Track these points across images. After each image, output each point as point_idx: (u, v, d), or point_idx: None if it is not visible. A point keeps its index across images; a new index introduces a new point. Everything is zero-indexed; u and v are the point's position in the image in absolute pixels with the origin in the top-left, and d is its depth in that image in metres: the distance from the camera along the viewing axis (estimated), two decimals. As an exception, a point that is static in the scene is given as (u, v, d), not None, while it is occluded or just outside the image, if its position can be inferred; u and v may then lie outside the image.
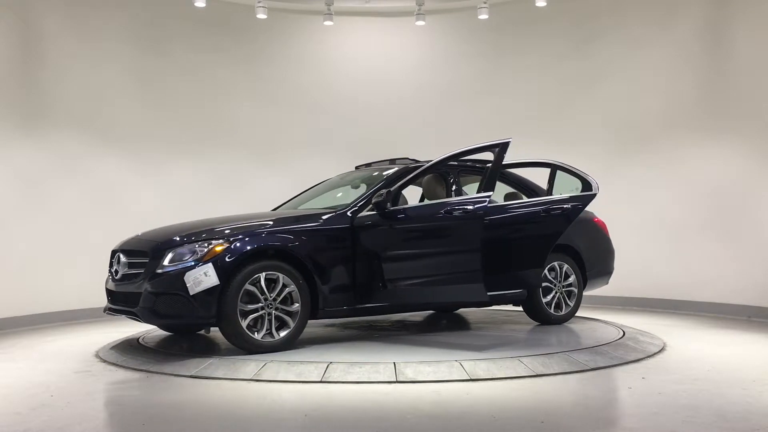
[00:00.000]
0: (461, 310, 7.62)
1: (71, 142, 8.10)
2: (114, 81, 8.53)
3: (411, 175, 5.72)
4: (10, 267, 7.45)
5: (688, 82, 8.28)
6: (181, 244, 5.16)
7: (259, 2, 8.97)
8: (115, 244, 5.91)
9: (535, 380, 4.57)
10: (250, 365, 4.83)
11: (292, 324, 5.22)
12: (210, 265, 4.94)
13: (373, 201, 5.57)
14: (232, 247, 5.05)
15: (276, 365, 4.81)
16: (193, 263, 4.99)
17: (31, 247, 7.66)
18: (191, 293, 4.92)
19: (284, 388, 4.43)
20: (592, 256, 6.85)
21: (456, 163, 6.26)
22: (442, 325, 6.83)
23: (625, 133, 8.78)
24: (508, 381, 4.54)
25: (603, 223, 7.14)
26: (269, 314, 5.14)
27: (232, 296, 4.98)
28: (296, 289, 5.21)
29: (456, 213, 5.33)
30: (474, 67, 9.63)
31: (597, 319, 6.98)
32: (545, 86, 9.31)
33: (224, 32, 9.34)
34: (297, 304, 5.22)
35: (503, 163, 5.68)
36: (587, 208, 6.63)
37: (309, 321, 5.38)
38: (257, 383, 4.55)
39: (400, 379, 4.55)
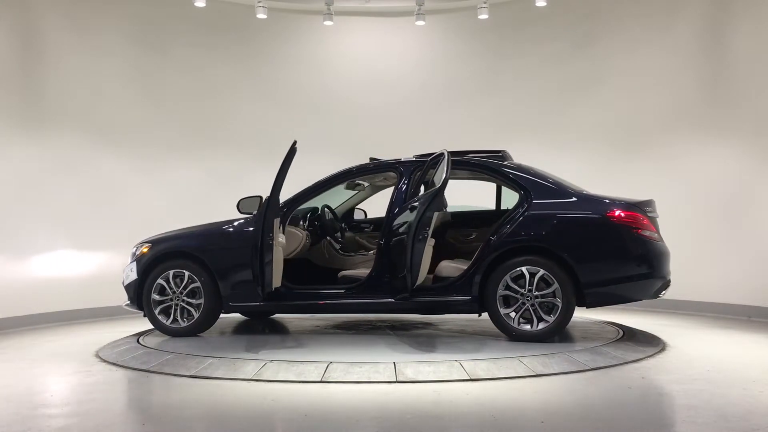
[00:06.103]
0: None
1: (71, 141, 8.09)
2: (114, 80, 8.52)
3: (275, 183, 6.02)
4: (10, 267, 7.44)
5: (688, 82, 8.27)
6: (138, 245, 6.26)
7: (259, 2, 8.96)
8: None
9: (535, 380, 4.57)
10: (250, 365, 4.84)
11: (195, 315, 6.00)
12: (134, 263, 6.12)
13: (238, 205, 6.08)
14: (152, 249, 6.11)
15: (276, 365, 4.82)
16: (131, 261, 6.19)
17: (31, 246, 7.65)
18: (124, 285, 6.20)
19: (284, 388, 4.43)
20: (594, 260, 5.57)
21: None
22: (442, 325, 6.83)
23: (624, 133, 8.76)
24: (508, 381, 4.54)
25: (632, 218, 5.58)
26: (176, 305, 6.02)
27: (148, 289, 6.04)
28: (200, 285, 5.94)
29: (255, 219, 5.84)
30: (474, 67, 9.62)
31: (597, 319, 6.98)
32: (545, 86, 9.30)
33: (224, 32, 9.33)
34: (201, 298, 5.98)
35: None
36: (607, 199, 5.71)
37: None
38: (257, 383, 4.56)
39: (400, 379, 4.55)
